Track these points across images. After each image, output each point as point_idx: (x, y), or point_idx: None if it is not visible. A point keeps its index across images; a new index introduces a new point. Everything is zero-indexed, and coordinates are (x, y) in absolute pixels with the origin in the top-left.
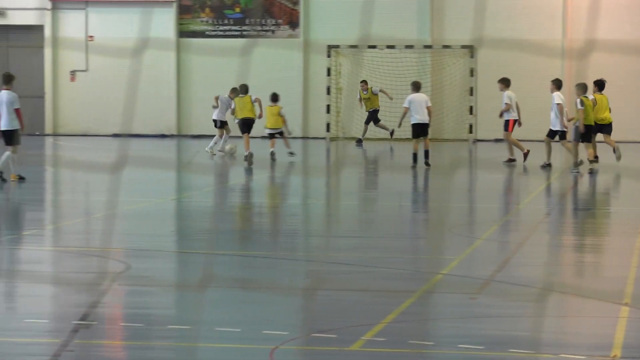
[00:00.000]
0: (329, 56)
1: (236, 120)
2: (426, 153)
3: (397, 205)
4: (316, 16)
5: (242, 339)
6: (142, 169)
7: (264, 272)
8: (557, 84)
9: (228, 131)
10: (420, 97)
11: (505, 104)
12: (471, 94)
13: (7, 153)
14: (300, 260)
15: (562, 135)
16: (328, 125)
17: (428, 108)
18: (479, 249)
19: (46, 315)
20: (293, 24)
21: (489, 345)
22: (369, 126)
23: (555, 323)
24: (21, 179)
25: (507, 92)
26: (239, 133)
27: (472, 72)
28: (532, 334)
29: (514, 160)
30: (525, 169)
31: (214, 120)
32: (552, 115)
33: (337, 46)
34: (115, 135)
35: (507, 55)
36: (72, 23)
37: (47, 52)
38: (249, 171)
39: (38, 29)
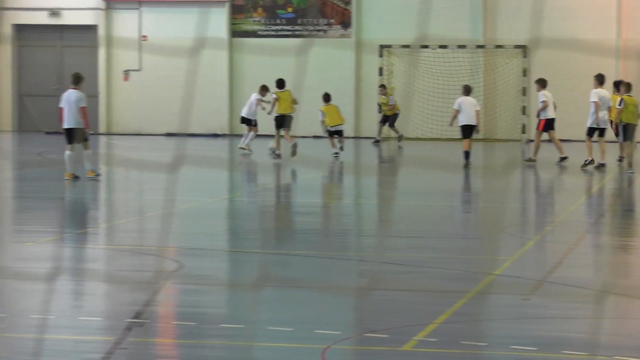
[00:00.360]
0: (381, 56)
1: (272, 114)
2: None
3: (449, 205)
4: (368, 16)
5: (294, 339)
6: (194, 168)
7: (317, 272)
8: (599, 80)
9: (256, 130)
10: (470, 101)
11: (542, 102)
12: (524, 94)
13: (85, 152)
14: (353, 259)
15: (588, 131)
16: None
17: (477, 111)
18: (531, 249)
19: (100, 313)
20: (345, 23)
21: (542, 347)
22: (390, 127)
23: (609, 325)
24: (75, 177)
25: (544, 92)
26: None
27: (524, 72)
28: (585, 335)
29: (565, 158)
30: (577, 170)
31: (247, 119)
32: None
33: (389, 46)
34: (168, 135)
35: (561, 55)
36: (126, 23)
37: (101, 52)
38: (300, 170)
39: (92, 28)
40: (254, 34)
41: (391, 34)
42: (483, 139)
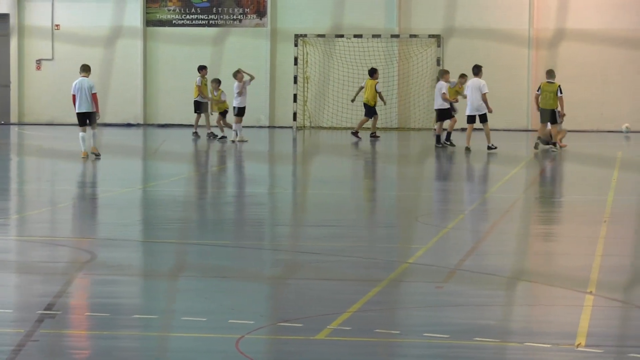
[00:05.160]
0: (296, 45)
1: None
2: (448, 135)
3: (361, 194)
4: (283, 5)
5: (208, 328)
6: (108, 158)
7: (230, 261)
8: None
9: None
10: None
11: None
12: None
13: (93, 131)
14: (268, 249)
15: None
16: (295, 115)
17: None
18: (445, 237)
19: (11, 305)
20: (260, 13)
21: (455, 334)
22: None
23: (521, 311)
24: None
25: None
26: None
27: (439, 62)
28: (498, 322)
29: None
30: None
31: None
32: None
33: (305, 35)
34: None
35: (474, 44)
36: (39, 11)
37: (13, 41)
38: (216, 159)
39: (4, 17)
40: (169, 23)
41: (306, 24)
42: (397, 128)
